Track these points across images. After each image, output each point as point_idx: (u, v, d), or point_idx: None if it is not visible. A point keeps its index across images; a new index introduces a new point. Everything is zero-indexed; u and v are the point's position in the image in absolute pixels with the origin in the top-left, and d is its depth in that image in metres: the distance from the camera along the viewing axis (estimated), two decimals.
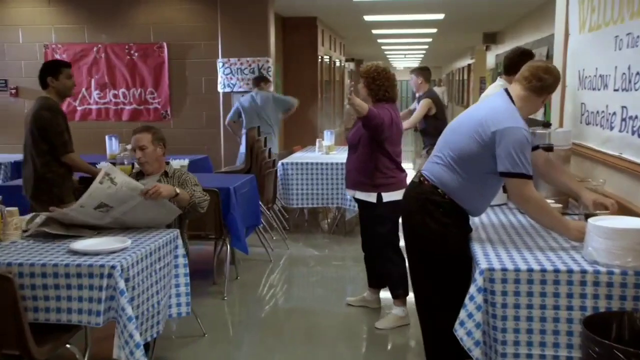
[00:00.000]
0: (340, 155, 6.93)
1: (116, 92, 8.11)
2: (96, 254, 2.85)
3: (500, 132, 2.58)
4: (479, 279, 2.43)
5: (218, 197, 4.64)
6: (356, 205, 6.18)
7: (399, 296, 4.10)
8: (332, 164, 6.42)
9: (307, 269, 5.54)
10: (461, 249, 2.73)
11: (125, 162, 5.19)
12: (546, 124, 3.84)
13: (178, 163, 5.21)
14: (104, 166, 3.32)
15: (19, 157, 7.10)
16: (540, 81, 2.70)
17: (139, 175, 3.80)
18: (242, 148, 6.92)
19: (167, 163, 3.88)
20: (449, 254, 2.75)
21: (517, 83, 2.76)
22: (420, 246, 2.84)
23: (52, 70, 4.30)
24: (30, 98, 8.15)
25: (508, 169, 2.59)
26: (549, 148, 3.46)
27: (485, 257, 2.52)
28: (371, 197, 4.00)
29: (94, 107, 8.17)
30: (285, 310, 4.63)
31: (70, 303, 2.74)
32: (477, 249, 2.64)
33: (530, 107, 2.77)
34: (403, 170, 4.10)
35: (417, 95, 6.61)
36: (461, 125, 2.78)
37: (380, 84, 3.95)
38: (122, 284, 2.71)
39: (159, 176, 3.75)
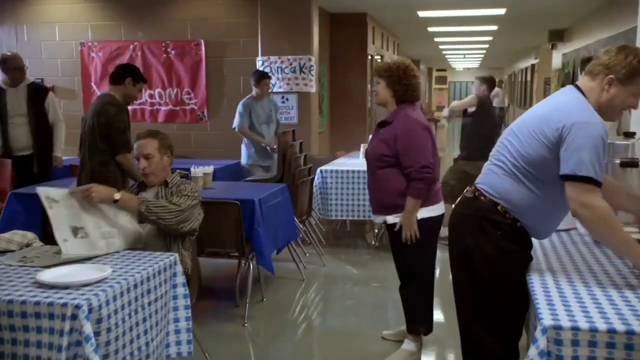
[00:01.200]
0: None
1: (152, 92, 7.75)
2: (65, 287, 2.35)
3: (569, 127, 2.12)
4: (540, 340, 1.84)
5: (239, 211, 4.12)
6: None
7: (419, 333, 3.59)
8: None
9: (343, 291, 4.95)
10: (522, 280, 2.26)
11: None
12: (629, 134, 3.14)
13: (202, 170, 4.71)
14: (38, 193, 2.84)
15: None
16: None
17: (140, 187, 3.31)
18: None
19: (173, 171, 3.37)
20: (507, 285, 2.30)
21: (588, 75, 2.24)
22: (473, 275, 2.37)
23: (135, 74, 4.39)
24: (67, 98, 7.91)
25: (573, 170, 2.10)
26: (632, 163, 2.80)
27: (550, 307, 1.92)
28: (395, 220, 3.39)
29: (129, 107, 7.80)
30: (313, 341, 4.06)
31: (27, 349, 2.24)
32: (537, 290, 2.06)
33: (612, 102, 2.21)
34: (436, 181, 3.46)
35: None
36: (523, 125, 2.31)
37: (408, 83, 3.35)
38: (88, 328, 2.19)
39: (158, 187, 3.25)
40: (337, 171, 5.87)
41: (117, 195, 2.92)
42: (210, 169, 4.81)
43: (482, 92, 6.07)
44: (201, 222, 3.33)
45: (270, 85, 6.49)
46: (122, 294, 2.42)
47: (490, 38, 13.82)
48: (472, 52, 18.80)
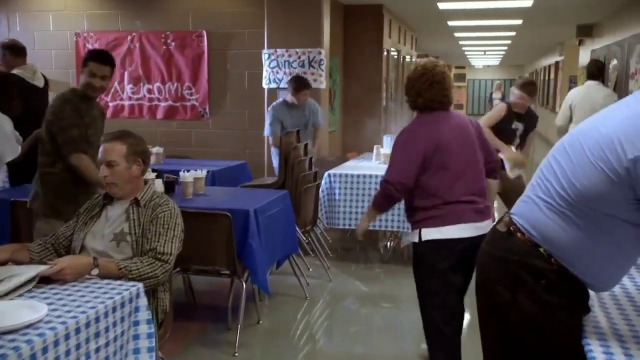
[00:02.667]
0: None
1: (150, 86, 7.23)
2: None
3: None
4: None
5: (230, 223, 3.59)
6: None
7: None
8: None
9: (351, 312, 4.39)
10: (575, 346, 1.69)
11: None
12: None
13: (192, 175, 4.17)
14: None
15: None
16: None
17: (106, 199, 2.77)
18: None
19: (146, 182, 2.82)
20: (553, 353, 1.78)
21: None
22: (506, 336, 1.86)
23: (88, 56, 3.50)
24: (60, 91, 7.42)
25: None
26: None
27: None
28: (413, 236, 2.94)
29: (126, 103, 7.33)
30: None
31: None
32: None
33: None
34: (471, 201, 2.87)
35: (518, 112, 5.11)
36: (576, 145, 1.69)
37: (412, 92, 2.99)
38: None
39: (129, 204, 2.70)
40: (346, 175, 5.32)
41: (94, 272, 2.39)
42: (202, 173, 4.27)
43: (524, 104, 5.10)
44: (187, 236, 2.79)
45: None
46: (56, 342, 1.89)
47: (513, 33, 13.15)
48: (494, 48, 18.10)
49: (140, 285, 2.35)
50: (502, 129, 4.96)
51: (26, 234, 3.73)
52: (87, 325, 2.03)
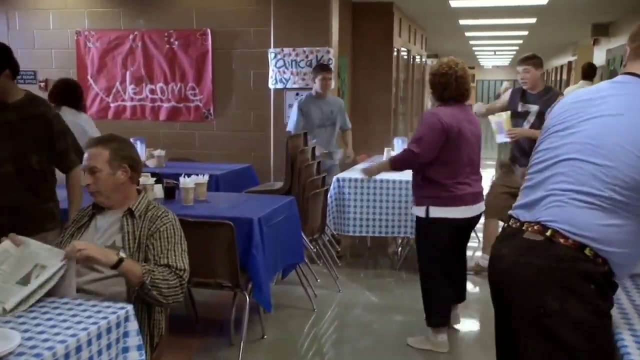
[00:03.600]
0: None
1: (153, 87, 6.99)
2: None
3: None
4: None
5: (233, 234, 3.35)
6: None
7: (428, 324, 3.70)
8: (400, 181, 5.00)
9: (361, 326, 4.13)
10: (612, 345, 1.74)
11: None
12: None
13: (193, 180, 3.93)
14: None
15: None
16: None
17: (95, 209, 2.53)
18: None
19: (139, 192, 2.58)
20: (602, 356, 1.76)
21: None
22: (555, 346, 1.78)
23: None
24: None
25: None
26: None
27: None
28: (419, 211, 3.57)
29: (128, 104, 7.09)
30: None
31: None
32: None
33: None
34: (470, 184, 3.55)
35: (529, 92, 4.78)
36: (611, 145, 1.76)
37: (437, 80, 3.56)
38: None
39: (122, 215, 2.46)
40: (356, 180, 5.07)
41: (121, 254, 2.23)
42: (204, 178, 4.03)
43: (538, 80, 4.82)
44: (187, 247, 2.55)
45: (330, 81, 5.63)
46: None
47: (525, 33, 12.87)
48: (504, 48, 17.81)
49: (130, 307, 2.11)
50: (512, 114, 4.84)
51: None
52: (67, 356, 1.79)
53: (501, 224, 5.12)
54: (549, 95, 4.65)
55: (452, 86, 3.44)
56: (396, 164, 3.60)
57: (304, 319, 4.17)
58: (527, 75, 4.68)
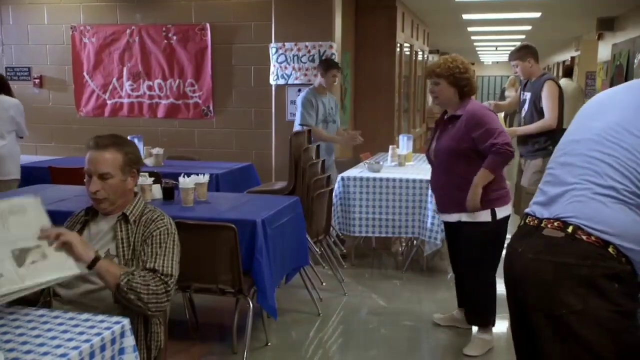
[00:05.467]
0: (418, 167, 5.33)
1: (151, 83, 6.81)
2: None
3: None
4: None
5: (236, 237, 3.17)
6: (439, 237, 4.68)
7: (489, 324, 3.64)
8: (407, 180, 4.84)
9: (368, 331, 3.96)
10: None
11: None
12: None
13: (193, 180, 3.76)
14: None
15: (32, 159, 5.97)
16: None
17: (89, 214, 2.35)
18: None
19: (135, 194, 2.40)
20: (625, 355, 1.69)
21: None
22: (577, 347, 1.71)
23: None
24: (56, 89, 7.04)
25: None
26: None
27: None
28: (484, 216, 3.41)
29: (125, 100, 6.91)
30: None
31: None
32: None
33: None
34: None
35: (529, 80, 4.85)
36: (627, 136, 1.72)
37: (469, 76, 3.46)
38: None
39: (115, 221, 2.28)
40: (361, 179, 4.90)
41: (101, 253, 2.07)
42: (204, 178, 3.85)
43: (532, 68, 4.81)
44: (187, 251, 2.40)
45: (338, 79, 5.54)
46: None
47: (529, 28, 12.68)
48: (506, 43, 17.61)
49: (126, 321, 1.93)
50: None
51: None
52: None
53: None
54: (538, 82, 4.70)
55: (472, 82, 3.46)
56: (496, 167, 3.34)
57: (309, 324, 4.01)
58: (517, 69, 4.82)
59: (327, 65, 5.38)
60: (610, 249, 1.68)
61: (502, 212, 3.41)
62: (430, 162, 3.62)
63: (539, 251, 1.78)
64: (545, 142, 4.63)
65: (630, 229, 1.68)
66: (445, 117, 3.56)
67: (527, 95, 4.79)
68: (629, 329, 1.70)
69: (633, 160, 1.69)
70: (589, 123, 1.85)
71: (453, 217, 3.49)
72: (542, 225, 1.80)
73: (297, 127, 5.24)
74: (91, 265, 2.02)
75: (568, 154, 1.86)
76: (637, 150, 1.69)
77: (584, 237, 1.70)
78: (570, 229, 1.72)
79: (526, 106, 4.80)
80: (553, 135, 4.58)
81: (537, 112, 4.65)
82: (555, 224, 1.76)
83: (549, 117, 4.56)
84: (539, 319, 1.79)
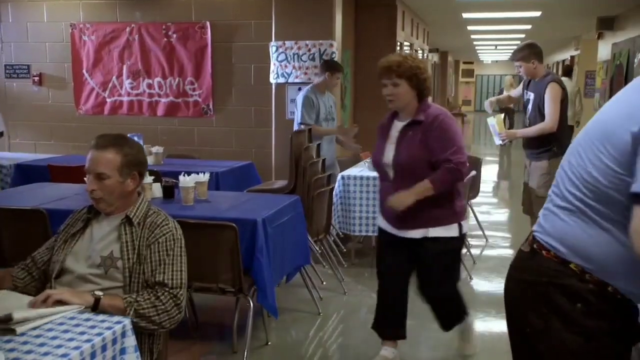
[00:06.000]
0: None
1: (151, 81, 6.80)
2: None
3: None
4: None
5: (236, 236, 3.16)
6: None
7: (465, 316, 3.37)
8: None
9: (368, 329, 3.95)
10: None
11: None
12: None
13: (193, 179, 3.74)
14: None
15: (31, 157, 5.94)
16: None
17: (92, 213, 2.34)
18: None
19: (139, 194, 2.38)
20: None
21: None
22: None
23: None
24: (55, 87, 7.02)
25: None
26: None
27: None
28: (452, 231, 3.03)
29: (125, 99, 6.90)
30: None
31: None
32: None
33: None
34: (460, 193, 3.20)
35: (533, 80, 4.74)
36: (585, 141, 1.58)
37: (427, 77, 3.04)
38: None
39: (119, 223, 2.26)
40: (361, 178, 4.89)
41: (98, 293, 2.00)
42: (204, 177, 3.84)
43: (536, 69, 4.66)
44: (188, 250, 2.36)
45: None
46: None
47: (529, 27, 12.68)
48: (506, 42, 17.61)
49: (127, 321, 1.93)
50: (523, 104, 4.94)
51: (8, 244, 3.34)
52: None
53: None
54: (542, 83, 4.60)
55: (430, 83, 3.08)
56: (441, 185, 2.89)
57: (309, 323, 4.00)
58: (521, 69, 4.70)
59: (333, 68, 5.37)
60: (572, 265, 1.56)
61: (465, 226, 3.08)
62: (382, 172, 3.10)
63: (513, 266, 1.75)
64: (550, 143, 4.56)
65: (586, 245, 1.54)
66: (396, 121, 3.07)
67: (531, 96, 4.71)
68: (595, 353, 1.56)
69: (580, 164, 1.56)
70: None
71: (417, 233, 3.01)
72: (527, 238, 1.74)
73: (296, 126, 5.23)
74: (94, 307, 1.98)
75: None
76: (585, 153, 1.55)
77: (544, 253, 1.62)
78: (535, 245, 1.65)
79: (530, 107, 4.72)
80: (557, 136, 4.53)
81: (540, 114, 4.59)
82: (530, 237, 1.70)
83: (549, 121, 4.47)
84: (511, 336, 1.76)
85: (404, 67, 2.90)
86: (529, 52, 4.64)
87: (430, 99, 3.16)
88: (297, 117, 5.30)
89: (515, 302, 1.72)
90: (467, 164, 2.94)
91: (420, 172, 2.92)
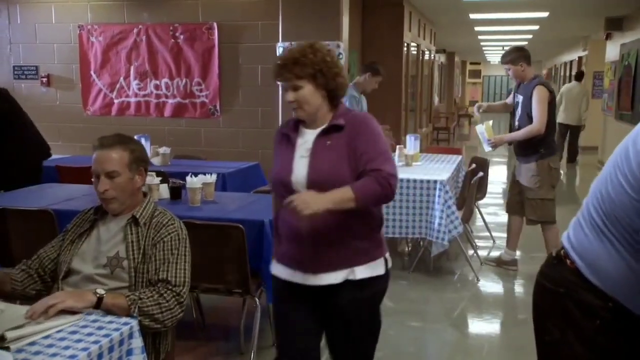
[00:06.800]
0: (426, 168, 5.33)
1: (158, 82, 6.82)
2: None
3: None
4: None
5: (243, 237, 3.16)
6: (446, 237, 4.67)
7: None
8: (414, 180, 4.82)
9: None
10: None
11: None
12: None
13: (201, 180, 3.75)
14: None
15: None
16: None
17: (98, 214, 2.34)
18: None
19: (145, 195, 2.39)
20: None
21: None
22: None
23: None
24: (63, 88, 7.05)
25: None
26: None
27: None
28: (378, 268, 2.24)
29: (132, 99, 6.92)
30: None
31: None
32: None
33: None
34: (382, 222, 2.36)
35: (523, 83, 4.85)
36: (613, 154, 1.54)
37: (339, 70, 2.23)
38: None
39: (125, 223, 2.26)
40: None
41: (100, 291, 2.00)
42: (211, 177, 3.85)
43: (524, 71, 4.79)
44: (195, 251, 2.37)
45: None
46: None
47: (536, 27, 12.63)
48: (514, 43, 17.54)
49: (134, 322, 1.93)
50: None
51: (17, 245, 3.36)
52: None
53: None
54: (529, 86, 4.69)
55: (344, 78, 2.30)
56: (366, 198, 2.08)
57: None
58: (510, 72, 4.82)
59: (376, 70, 5.52)
60: (589, 279, 1.53)
61: (390, 260, 2.32)
62: (284, 194, 2.17)
63: (540, 270, 1.73)
64: (537, 145, 4.63)
65: (601, 262, 1.51)
66: (304, 129, 2.27)
67: (520, 98, 4.81)
68: None
69: (602, 181, 1.54)
70: None
71: (337, 277, 2.18)
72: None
73: None
74: (96, 305, 1.98)
75: None
76: (608, 168, 1.52)
77: (568, 262, 1.59)
78: (562, 251, 1.63)
79: (519, 109, 4.82)
80: (545, 138, 4.61)
81: (528, 116, 4.67)
82: (561, 243, 1.69)
83: (537, 123, 4.54)
84: (537, 342, 1.75)
85: (302, 64, 2.15)
86: (517, 55, 4.77)
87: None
88: None
89: (537, 308, 1.71)
90: (396, 184, 2.13)
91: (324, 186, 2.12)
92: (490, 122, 5.03)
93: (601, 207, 1.51)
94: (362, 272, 2.19)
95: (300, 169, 2.20)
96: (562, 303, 1.57)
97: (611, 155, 1.55)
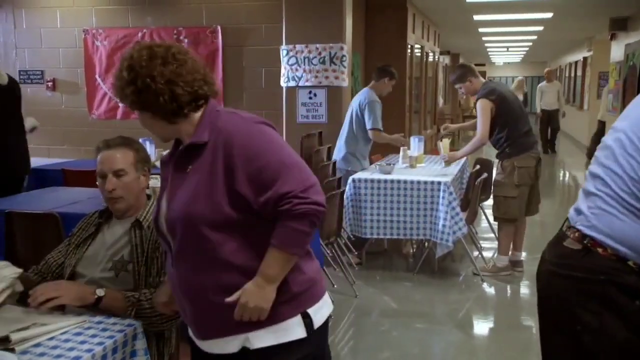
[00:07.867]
0: (430, 169, 5.34)
1: None
2: None
3: None
4: None
5: None
6: (450, 239, 4.67)
7: None
8: (418, 182, 4.83)
9: (379, 335, 3.95)
10: None
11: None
12: None
13: None
14: None
15: (46, 162, 6.00)
16: None
17: (103, 217, 2.36)
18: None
19: (149, 197, 2.40)
20: None
21: None
22: None
23: None
24: (68, 92, 7.09)
25: None
26: None
27: None
28: (290, 332, 1.68)
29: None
30: None
31: None
32: None
33: None
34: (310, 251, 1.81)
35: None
36: (628, 141, 1.61)
37: (183, 71, 1.71)
38: None
39: (130, 227, 2.27)
40: (372, 180, 4.89)
41: (100, 292, 2.02)
42: None
43: (473, 86, 4.94)
44: None
45: None
46: None
47: (541, 28, 12.60)
48: (517, 44, 17.54)
49: (138, 324, 1.94)
50: None
51: (22, 248, 3.37)
52: None
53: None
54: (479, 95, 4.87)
55: (196, 78, 1.79)
56: (297, 239, 1.61)
57: None
58: (462, 90, 5.04)
59: (393, 75, 5.53)
60: (630, 263, 1.57)
61: (319, 313, 1.74)
62: (165, 244, 1.78)
63: (558, 263, 1.72)
64: (504, 145, 4.77)
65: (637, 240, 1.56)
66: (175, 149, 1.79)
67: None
68: None
69: (632, 167, 1.59)
70: (615, 126, 1.71)
71: (230, 345, 1.67)
72: (567, 233, 1.72)
73: (370, 127, 5.29)
74: (96, 303, 2.00)
75: (596, 159, 1.74)
76: (633, 153, 1.59)
77: (600, 250, 1.61)
78: (586, 241, 1.64)
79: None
80: (510, 138, 4.72)
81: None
82: (576, 234, 1.68)
83: (478, 134, 4.75)
84: (549, 334, 1.75)
85: (122, 84, 1.64)
86: (462, 72, 4.97)
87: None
88: (369, 122, 5.30)
89: (560, 299, 1.69)
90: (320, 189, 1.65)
91: (203, 235, 1.61)
92: (448, 141, 5.38)
93: (635, 190, 1.56)
94: (260, 339, 1.63)
95: (163, 206, 1.74)
96: (602, 289, 1.59)
97: (624, 136, 1.59)
